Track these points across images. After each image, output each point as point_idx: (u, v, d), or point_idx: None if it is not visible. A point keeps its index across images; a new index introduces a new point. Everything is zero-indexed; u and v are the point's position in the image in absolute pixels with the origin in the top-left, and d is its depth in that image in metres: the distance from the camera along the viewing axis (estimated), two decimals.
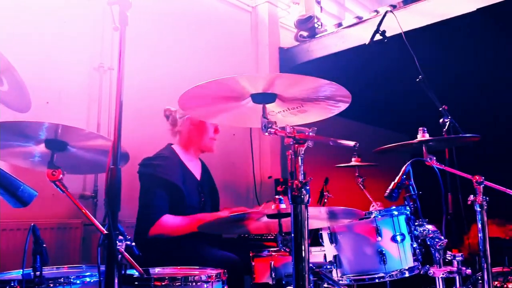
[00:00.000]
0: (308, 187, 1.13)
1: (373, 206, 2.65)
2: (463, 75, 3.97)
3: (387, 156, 2.58)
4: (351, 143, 1.12)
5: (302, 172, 1.15)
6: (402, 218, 1.83)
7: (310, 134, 1.16)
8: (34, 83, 2.76)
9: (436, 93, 2.58)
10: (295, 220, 1.13)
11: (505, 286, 2.72)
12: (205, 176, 2.74)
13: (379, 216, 1.76)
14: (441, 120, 2.57)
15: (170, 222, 2.36)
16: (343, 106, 1.39)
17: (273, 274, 2.07)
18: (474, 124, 2.67)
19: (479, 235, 2.09)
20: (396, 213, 1.81)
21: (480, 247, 2.07)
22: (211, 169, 2.94)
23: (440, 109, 2.55)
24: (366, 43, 2.55)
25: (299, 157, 1.16)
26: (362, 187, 2.72)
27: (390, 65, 3.57)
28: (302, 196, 1.12)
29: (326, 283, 1.32)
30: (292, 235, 1.14)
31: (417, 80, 2.55)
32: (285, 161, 4.23)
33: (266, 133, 1.31)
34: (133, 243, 1.40)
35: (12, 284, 1.58)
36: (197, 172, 2.68)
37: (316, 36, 4.30)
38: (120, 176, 1.12)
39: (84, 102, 3.09)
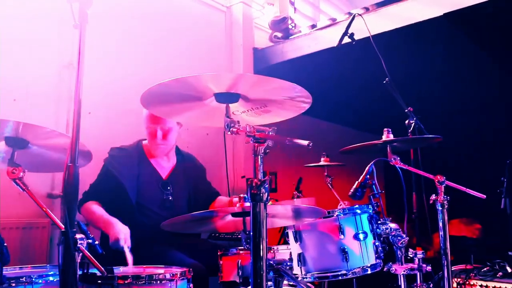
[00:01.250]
0: (267, 186, 1.16)
1: (340, 205, 2.69)
2: (430, 78, 4.08)
3: (355, 156, 2.63)
4: (305, 143, 1.15)
5: (262, 171, 1.17)
6: (364, 217, 1.87)
7: (270, 133, 1.18)
8: (0, 79, 2.73)
9: (402, 95, 2.65)
10: (254, 219, 1.15)
11: (467, 282, 2.81)
12: (179, 175, 2.62)
13: (342, 215, 1.80)
14: (406, 122, 2.64)
15: (89, 210, 2.31)
16: (305, 107, 1.42)
17: (240, 272, 2.09)
18: (438, 125, 2.75)
19: (440, 233, 2.15)
20: (359, 211, 1.85)
21: (441, 245, 2.14)
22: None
23: (406, 110, 2.62)
24: (335, 45, 2.60)
25: (259, 156, 1.18)
26: (331, 187, 2.77)
27: (359, 67, 3.64)
28: (261, 195, 1.14)
29: (286, 280, 1.34)
30: (251, 233, 1.16)
31: (384, 82, 2.61)
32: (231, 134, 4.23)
33: (229, 132, 1.33)
34: (96, 242, 1.40)
35: None
36: (164, 170, 2.60)
37: (290, 37, 4.35)
38: (77, 173, 1.12)
39: (52, 100, 3.06)
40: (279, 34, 4.51)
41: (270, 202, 3.00)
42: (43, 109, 2.99)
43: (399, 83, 2.66)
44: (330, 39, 3.86)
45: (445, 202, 2.11)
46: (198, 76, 1.33)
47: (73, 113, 1.16)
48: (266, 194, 1.16)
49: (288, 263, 1.54)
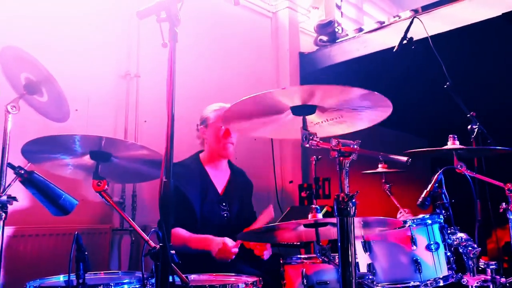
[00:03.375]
0: (354, 200, 1.15)
1: (400, 213, 2.65)
2: (491, 80, 3.94)
3: (412, 162, 2.57)
4: (404, 159, 1.13)
5: (347, 185, 1.17)
6: (436, 227, 1.83)
7: (355, 147, 1.18)
8: (64, 89, 2.84)
9: (463, 99, 2.58)
10: (341, 231, 1.15)
11: None
12: (232, 191, 2.65)
13: (414, 225, 1.77)
14: (469, 127, 2.56)
15: (175, 234, 2.35)
16: (384, 115, 1.41)
17: (304, 281, 2.09)
18: (502, 130, 2.66)
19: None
20: (430, 222, 1.82)
21: None
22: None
23: (468, 115, 2.54)
24: (394, 50, 2.56)
25: (344, 170, 1.18)
26: (389, 193, 2.72)
27: (413, 70, 3.56)
28: (349, 209, 1.14)
29: None
30: (339, 244, 1.15)
31: (445, 86, 2.54)
32: (306, 165, 4.24)
33: (307, 145, 1.33)
34: (173, 251, 1.43)
35: None
36: (221, 184, 2.62)
37: (336, 41, 4.32)
38: (172, 188, 1.15)
39: (111, 110, 3.16)
40: (325, 38, 4.48)
41: (325, 209, 3.00)
42: (103, 118, 3.10)
43: (457, 86, 2.59)
44: (379, 41, 3.81)
45: None
46: (271, 92, 1.33)
47: (167, 128, 1.18)
48: (354, 208, 1.16)
49: (370, 277, 1.53)
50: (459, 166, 2.15)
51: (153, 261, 1.32)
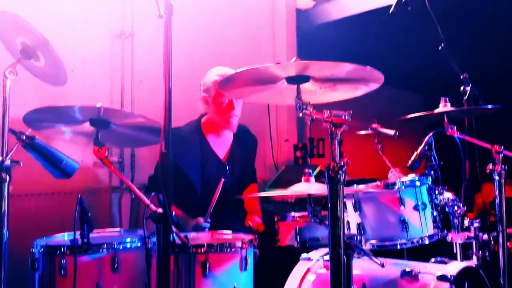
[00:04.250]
0: (344, 169, 1.21)
1: (391, 172, 2.72)
2: (485, 41, 3.93)
3: (405, 123, 2.63)
4: (391, 132, 1.19)
5: (339, 154, 1.23)
6: (424, 188, 1.92)
7: (347, 118, 1.22)
8: (58, 51, 2.83)
9: (456, 60, 2.59)
10: (331, 199, 1.22)
11: None
12: (236, 151, 2.66)
13: (403, 187, 1.85)
14: (461, 88, 2.59)
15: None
16: (376, 86, 1.45)
17: (298, 238, 2.20)
18: (495, 91, 2.70)
19: (496, 201, 2.17)
20: (418, 183, 1.89)
21: (497, 212, 2.16)
22: None
23: (462, 77, 2.57)
24: (390, 11, 2.54)
25: (336, 140, 1.23)
26: (381, 153, 2.79)
27: (411, 28, 3.54)
28: (339, 177, 1.20)
29: (356, 253, 1.42)
30: (329, 212, 1.23)
31: (439, 48, 2.55)
32: (301, 125, 4.29)
33: (301, 114, 1.38)
34: (173, 213, 1.50)
35: (63, 249, 1.72)
36: (222, 151, 2.63)
37: None
38: (171, 159, 1.21)
39: (107, 69, 3.15)
40: None
41: (319, 169, 3.08)
42: (99, 78, 3.10)
43: (452, 47, 2.59)
44: None
45: (503, 172, 2.12)
46: (269, 66, 1.37)
47: (164, 101, 1.22)
48: (344, 175, 1.22)
49: (358, 238, 1.62)
50: (449, 128, 2.21)
51: (154, 223, 1.40)
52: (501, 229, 2.13)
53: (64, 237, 2.01)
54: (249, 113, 4.00)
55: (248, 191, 2.78)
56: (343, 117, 1.22)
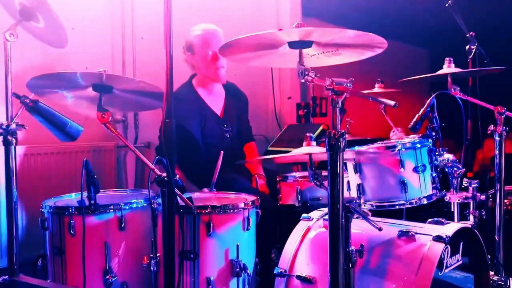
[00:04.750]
0: (345, 136, 1.23)
1: (394, 132, 2.75)
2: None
3: (408, 82, 2.61)
4: (391, 103, 1.19)
5: (340, 122, 1.24)
6: (424, 150, 1.93)
7: (348, 85, 1.23)
8: (57, 9, 2.78)
9: (463, 18, 2.54)
10: (332, 165, 1.25)
11: None
12: (230, 106, 2.72)
13: (403, 149, 1.86)
14: (467, 47, 2.56)
15: None
16: (379, 51, 1.44)
17: (299, 197, 2.26)
18: (501, 51, 2.65)
19: (496, 160, 2.20)
20: (419, 145, 1.91)
21: (496, 171, 2.19)
22: None
23: (467, 35, 2.53)
24: None
25: (337, 108, 1.24)
26: (384, 113, 2.80)
27: None
28: (339, 144, 1.22)
29: (355, 216, 1.47)
30: (329, 178, 1.26)
31: (446, 5, 2.50)
32: (304, 84, 4.26)
33: (303, 80, 1.38)
34: (177, 177, 1.54)
35: (71, 210, 1.78)
36: (218, 107, 2.68)
37: None
38: (174, 128, 1.23)
39: (107, 27, 3.12)
40: None
41: (321, 127, 3.09)
42: (99, 36, 3.07)
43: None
44: None
45: (504, 132, 2.13)
46: (272, 32, 1.35)
47: (166, 75, 1.21)
48: (344, 142, 1.24)
49: (357, 201, 1.65)
50: (453, 89, 2.20)
51: (159, 187, 1.44)
52: (498, 187, 2.17)
53: (72, 197, 2.07)
54: (251, 70, 4.00)
55: (247, 149, 2.83)
56: (344, 85, 1.22)
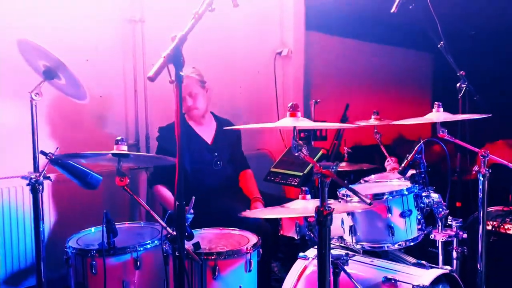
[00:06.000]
0: (331, 217, 1.42)
1: (388, 161, 2.93)
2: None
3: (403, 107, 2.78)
4: (367, 201, 1.38)
5: (327, 203, 1.43)
6: (410, 196, 2.12)
7: (333, 169, 1.42)
8: (74, 42, 2.98)
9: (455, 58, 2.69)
10: (320, 239, 1.44)
11: (502, 226, 3.04)
12: (221, 137, 2.97)
13: (390, 197, 2.05)
14: (458, 85, 2.72)
15: (159, 193, 2.79)
16: None
17: (297, 231, 2.46)
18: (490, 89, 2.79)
19: (479, 196, 2.36)
20: (406, 193, 2.10)
21: (479, 206, 2.36)
22: (238, 104, 3.11)
23: (458, 74, 2.68)
24: (391, 11, 2.60)
25: (325, 188, 1.43)
26: (380, 143, 2.98)
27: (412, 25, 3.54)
28: (327, 222, 1.42)
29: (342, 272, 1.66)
30: (318, 250, 1.45)
31: (439, 46, 2.64)
32: (307, 98, 4.43)
33: (296, 154, 1.57)
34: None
35: (92, 253, 2.00)
36: (208, 136, 2.95)
37: None
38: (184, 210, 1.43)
39: (119, 55, 3.30)
40: None
41: (321, 152, 3.27)
42: (112, 65, 3.26)
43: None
44: None
45: (487, 173, 2.30)
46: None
47: (176, 136, 1.40)
48: (330, 218, 1.43)
49: (344, 258, 1.83)
50: (441, 131, 2.36)
51: (171, 244, 1.64)
52: (481, 223, 2.35)
53: (92, 231, 2.30)
54: (256, 84, 4.18)
55: (242, 176, 3.07)
56: (330, 169, 1.40)
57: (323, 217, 1.41)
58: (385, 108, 3.79)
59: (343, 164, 2.90)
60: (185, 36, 1.38)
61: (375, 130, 2.99)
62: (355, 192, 1.41)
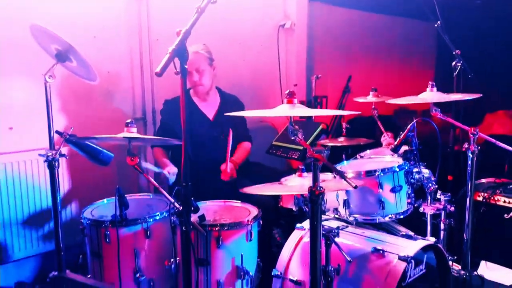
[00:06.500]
0: (324, 198, 1.57)
1: (384, 136, 3.05)
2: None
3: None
4: (353, 185, 1.52)
5: (320, 185, 1.57)
6: (401, 173, 2.27)
7: (324, 153, 1.55)
8: (81, 21, 3.07)
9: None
10: (312, 221, 1.60)
11: (492, 198, 3.17)
12: (223, 112, 2.97)
13: (382, 174, 2.20)
14: (453, 63, 2.81)
15: (156, 154, 2.99)
16: None
17: (296, 204, 2.62)
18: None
19: (468, 170, 2.49)
20: (397, 169, 2.24)
21: (468, 181, 2.50)
22: (242, 77, 3.19)
23: (454, 53, 2.76)
24: None
25: (317, 170, 1.57)
26: (377, 119, 3.09)
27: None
28: (319, 201, 1.56)
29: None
30: (310, 227, 1.61)
31: (436, 25, 2.72)
32: (310, 69, 4.51)
33: (293, 138, 1.70)
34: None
35: (106, 224, 2.18)
36: (211, 112, 3.10)
37: None
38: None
39: (125, 32, 3.38)
40: None
41: (321, 127, 3.39)
42: (118, 40, 3.35)
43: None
44: None
45: (476, 150, 2.43)
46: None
47: (182, 139, 1.54)
48: (321, 197, 1.58)
49: (335, 231, 1.98)
50: (433, 109, 2.48)
51: (178, 217, 1.81)
52: (468, 196, 2.49)
53: (104, 202, 2.48)
54: (259, 58, 4.26)
55: (237, 147, 3.17)
56: (322, 153, 1.54)
57: (315, 197, 1.56)
58: (389, 80, 3.88)
59: (341, 139, 3.02)
60: (189, 30, 1.48)
61: (373, 106, 3.09)
62: (343, 176, 1.55)
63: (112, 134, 2.10)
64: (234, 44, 4.08)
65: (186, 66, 1.48)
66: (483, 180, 3.44)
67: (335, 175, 2.30)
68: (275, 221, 3.28)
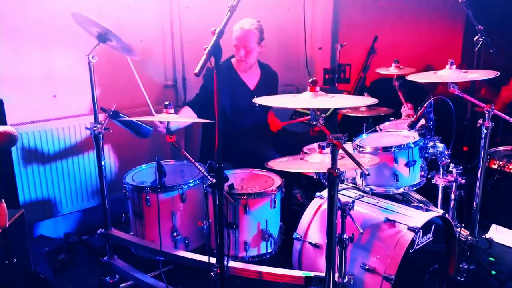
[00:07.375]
0: (342, 176, 1.76)
1: (404, 107, 3.18)
2: None
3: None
4: (366, 172, 1.69)
5: (337, 168, 1.76)
6: (416, 148, 2.43)
7: (343, 140, 1.72)
8: None
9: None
10: (330, 197, 1.80)
11: (507, 166, 3.31)
12: (263, 86, 3.25)
13: (397, 150, 2.37)
14: (475, 38, 2.86)
15: (183, 110, 3.12)
16: None
17: (316, 173, 2.83)
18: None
19: (481, 154, 2.60)
20: (412, 145, 2.40)
21: (481, 156, 2.63)
22: (268, 41, 3.25)
23: (476, 28, 2.81)
24: None
25: (336, 154, 1.75)
26: (398, 90, 3.21)
27: None
28: (337, 181, 1.76)
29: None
30: (328, 202, 1.82)
31: (460, 1, 2.76)
32: (335, 33, 4.56)
33: (314, 122, 1.88)
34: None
35: (147, 189, 2.45)
36: (252, 82, 3.24)
37: None
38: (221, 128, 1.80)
39: (157, 2, 3.51)
40: None
41: (344, 94, 3.53)
42: (150, 11, 3.49)
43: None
44: None
45: (490, 126, 2.55)
46: None
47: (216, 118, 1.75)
48: (339, 178, 1.77)
49: (351, 204, 2.18)
50: (452, 86, 2.59)
51: (210, 188, 2.05)
52: (481, 166, 2.63)
53: (143, 168, 2.75)
54: (284, 18, 4.33)
55: (269, 116, 3.43)
56: (341, 140, 1.71)
57: (332, 178, 1.76)
58: (415, 41, 3.90)
59: (363, 109, 3.16)
60: (222, 30, 1.63)
61: (394, 78, 3.20)
62: (358, 164, 1.73)
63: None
64: (260, 4, 4.14)
65: (220, 63, 1.64)
66: (500, 148, 3.56)
67: (354, 149, 2.50)
68: (297, 181, 3.52)
